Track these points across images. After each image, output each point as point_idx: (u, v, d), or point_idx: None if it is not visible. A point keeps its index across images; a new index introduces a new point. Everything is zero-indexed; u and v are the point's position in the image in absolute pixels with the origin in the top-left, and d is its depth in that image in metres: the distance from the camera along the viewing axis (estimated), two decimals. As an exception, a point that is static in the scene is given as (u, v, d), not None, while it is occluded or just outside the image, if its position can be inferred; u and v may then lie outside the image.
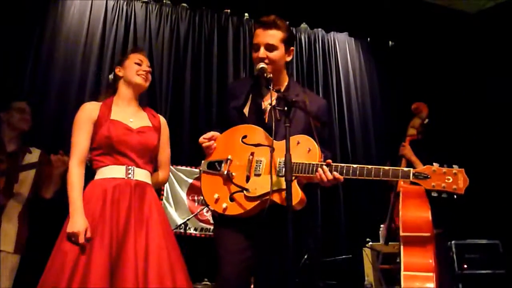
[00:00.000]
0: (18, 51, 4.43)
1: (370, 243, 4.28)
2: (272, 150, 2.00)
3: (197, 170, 4.87)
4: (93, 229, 1.99)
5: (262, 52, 2.15)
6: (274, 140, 2.01)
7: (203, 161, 2.19)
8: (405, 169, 1.91)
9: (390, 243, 4.39)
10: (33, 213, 3.17)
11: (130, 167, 2.16)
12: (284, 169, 1.88)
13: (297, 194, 1.95)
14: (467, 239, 4.27)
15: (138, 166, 2.19)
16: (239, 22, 5.56)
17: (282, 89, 2.23)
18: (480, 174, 4.73)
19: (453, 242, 4.17)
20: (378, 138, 5.72)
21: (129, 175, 2.15)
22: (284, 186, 1.89)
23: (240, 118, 2.21)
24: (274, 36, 2.16)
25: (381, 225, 4.45)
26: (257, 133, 2.13)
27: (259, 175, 2.05)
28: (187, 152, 4.88)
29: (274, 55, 2.16)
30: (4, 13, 4.20)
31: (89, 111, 2.23)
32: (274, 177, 1.98)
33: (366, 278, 4.22)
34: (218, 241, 2.14)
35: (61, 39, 4.78)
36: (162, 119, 2.45)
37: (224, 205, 2.06)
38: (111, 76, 2.45)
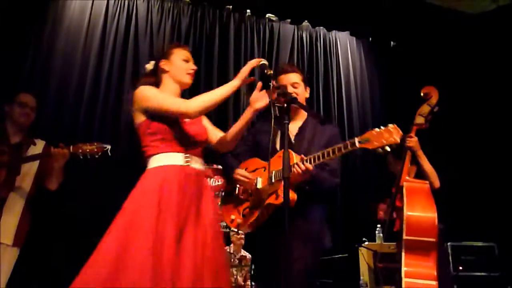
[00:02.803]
0: (19, 43, 4.42)
1: (366, 242, 4.30)
2: (268, 166, 2.35)
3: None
4: (159, 216, 1.93)
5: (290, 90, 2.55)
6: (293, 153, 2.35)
7: (221, 196, 2.68)
8: (350, 140, 2.17)
9: (385, 243, 4.41)
10: (35, 206, 3.15)
11: (187, 154, 2.13)
12: (272, 177, 2.34)
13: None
14: (463, 241, 4.28)
15: (194, 154, 2.16)
16: (241, 18, 5.55)
17: (301, 123, 2.63)
18: (478, 178, 4.76)
19: (449, 243, 4.18)
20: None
21: (187, 163, 2.11)
22: (273, 190, 2.33)
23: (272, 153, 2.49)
24: (296, 76, 2.64)
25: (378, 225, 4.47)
26: (255, 163, 2.57)
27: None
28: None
29: (297, 90, 2.59)
30: (5, 5, 4.19)
31: None
32: (268, 186, 2.37)
33: (361, 278, 4.23)
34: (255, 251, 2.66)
35: (62, 32, 4.78)
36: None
37: (238, 221, 2.49)
38: (149, 66, 2.38)
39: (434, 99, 2.86)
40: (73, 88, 4.66)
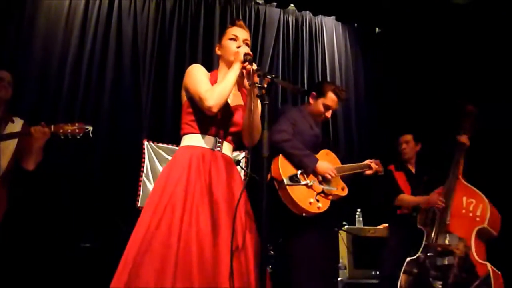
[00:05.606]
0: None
1: (346, 226, 4.37)
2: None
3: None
4: (186, 196, 1.92)
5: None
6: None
7: (283, 177, 2.84)
8: None
9: (366, 227, 4.50)
10: (14, 185, 3.11)
11: (219, 139, 2.12)
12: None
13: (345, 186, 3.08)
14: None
15: (226, 140, 2.15)
16: (227, 0, 5.49)
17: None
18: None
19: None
20: (360, 123, 5.78)
21: (218, 148, 2.10)
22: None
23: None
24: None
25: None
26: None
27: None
28: (168, 129, 4.86)
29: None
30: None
31: (205, 71, 2.18)
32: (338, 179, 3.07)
33: (340, 260, 4.31)
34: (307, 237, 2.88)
35: (43, 10, 4.68)
36: None
37: (319, 205, 2.88)
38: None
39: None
40: (54, 68, 4.59)
